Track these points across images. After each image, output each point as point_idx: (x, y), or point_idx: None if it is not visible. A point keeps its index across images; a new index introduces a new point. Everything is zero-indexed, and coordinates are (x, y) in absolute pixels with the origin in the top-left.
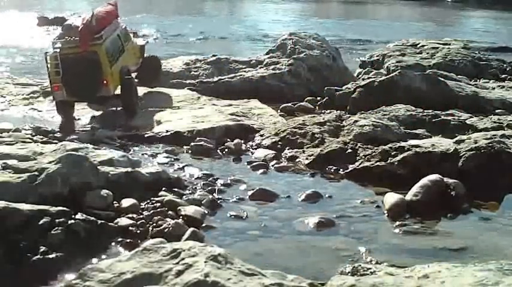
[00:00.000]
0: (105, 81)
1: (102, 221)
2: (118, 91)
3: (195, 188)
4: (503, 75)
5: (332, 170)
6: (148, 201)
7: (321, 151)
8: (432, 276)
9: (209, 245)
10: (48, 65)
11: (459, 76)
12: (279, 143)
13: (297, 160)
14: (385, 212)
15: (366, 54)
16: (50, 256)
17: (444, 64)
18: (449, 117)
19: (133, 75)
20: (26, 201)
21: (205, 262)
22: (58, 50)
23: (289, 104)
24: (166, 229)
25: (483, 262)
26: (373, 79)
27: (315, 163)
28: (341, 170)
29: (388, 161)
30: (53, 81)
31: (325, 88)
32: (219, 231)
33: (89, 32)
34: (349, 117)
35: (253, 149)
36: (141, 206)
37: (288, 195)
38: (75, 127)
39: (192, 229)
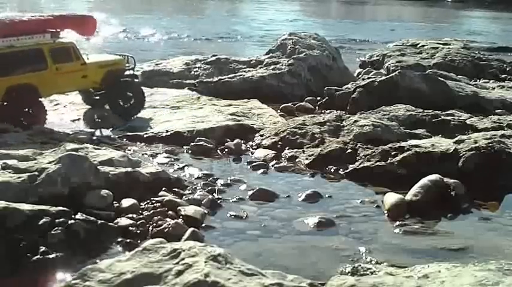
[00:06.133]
0: None
1: (102, 221)
2: None
3: (195, 188)
4: (503, 75)
5: (332, 170)
6: (148, 201)
7: (321, 151)
8: (432, 276)
9: (209, 245)
10: None
11: (459, 76)
12: (279, 143)
13: (297, 160)
14: (385, 212)
15: (366, 54)
16: (50, 256)
17: (444, 64)
18: (449, 117)
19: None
20: (26, 201)
21: (205, 262)
22: None
23: (289, 104)
24: (166, 229)
25: (483, 262)
26: (373, 79)
27: (315, 163)
28: (341, 170)
29: (388, 161)
30: None
31: (325, 88)
32: (219, 231)
33: None
34: (349, 117)
35: (253, 149)
36: (141, 206)
37: (288, 195)
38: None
39: (192, 229)
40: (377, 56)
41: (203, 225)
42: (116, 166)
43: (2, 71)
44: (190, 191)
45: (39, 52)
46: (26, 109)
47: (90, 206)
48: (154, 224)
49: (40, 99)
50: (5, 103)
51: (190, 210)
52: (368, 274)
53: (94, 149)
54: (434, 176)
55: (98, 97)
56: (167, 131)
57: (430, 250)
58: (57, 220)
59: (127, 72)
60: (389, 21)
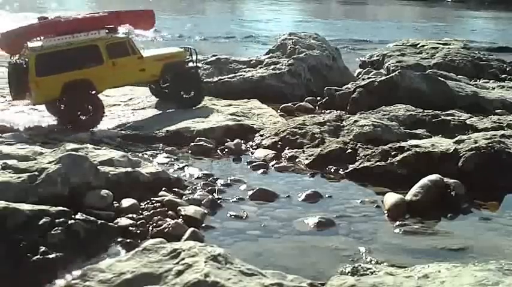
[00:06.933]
0: (29, 88)
1: (102, 221)
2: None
3: (195, 188)
4: (503, 75)
5: (332, 170)
6: (148, 201)
7: (321, 151)
8: (432, 276)
9: (209, 245)
10: None
11: (459, 76)
12: (279, 143)
13: (297, 160)
14: (385, 212)
15: (366, 54)
16: (50, 256)
17: (444, 64)
18: (449, 117)
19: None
20: (26, 201)
21: (205, 262)
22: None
23: (289, 104)
24: (166, 229)
25: (483, 262)
26: (373, 79)
27: (315, 163)
28: (341, 170)
29: (388, 161)
30: None
31: (325, 88)
32: (219, 231)
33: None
34: (349, 117)
35: (253, 149)
36: (141, 206)
37: (288, 195)
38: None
39: (192, 229)
40: (377, 56)
41: (203, 225)
42: (116, 166)
43: (58, 67)
44: (190, 191)
45: (95, 48)
46: (83, 104)
47: (90, 206)
48: (154, 224)
49: (96, 93)
50: (63, 99)
51: (190, 210)
52: (368, 274)
53: (94, 149)
54: (434, 176)
55: (166, 90)
56: (167, 131)
57: (430, 250)
58: (57, 220)
59: (188, 65)
60: (389, 21)
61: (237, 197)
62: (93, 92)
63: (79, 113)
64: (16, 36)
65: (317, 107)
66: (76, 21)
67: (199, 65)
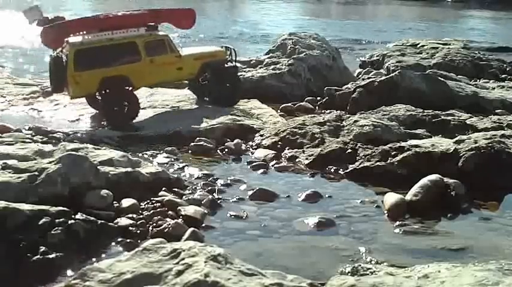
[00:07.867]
0: (67, 81)
1: (102, 221)
2: None
3: (195, 188)
4: (503, 75)
5: (332, 170)
6: (148, 201)
7: (321, 151)
8: (432, 276)
9: (209, 245)
10: None
11: (459, 76)
12: (279, 143)
13: (297, 160)
14: (385, 212)
15: (366, 54)
16: (50, 256)
17: (444, 64)
18: (449, 117)
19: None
20: (26, 201)
21: (205, 262)
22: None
23: (289, 104)
24: (166, 229)
25: (483, 262)
26: (373, 79)
27: (315, 163)
28: (341, 170)
29: (388, 161)
30: None
31: (325, 88)
32: (219, 231)
33: (50, 32)
34: (349, 117)
35: (253, 149)
36: (141, 206)
37: (288, 195)
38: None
39: (192, 229)
40: (377, 56)
41: (203, 225)
42: (116, 166)
43: (96, 63)
44: (190, 191)
45: (133, 45)
46: (119, 100)
47: (90, 206)
48: (154, 224)
49: (132, 90)
50: (100, 93)
51: (190, 210)
52: (368, 274)
53: (94, 149)
54: (434, 176)
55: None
56: (167, 131)
57: (430, 250)
58: (57, 220)
59: (227, 64)
60: (389, 21)
61: (237, 197)
62: (130, 88)
63: (115, 108)
64: (58, 31)
65: (317, 107)
66: (116, 19)
67: (238, 64)
